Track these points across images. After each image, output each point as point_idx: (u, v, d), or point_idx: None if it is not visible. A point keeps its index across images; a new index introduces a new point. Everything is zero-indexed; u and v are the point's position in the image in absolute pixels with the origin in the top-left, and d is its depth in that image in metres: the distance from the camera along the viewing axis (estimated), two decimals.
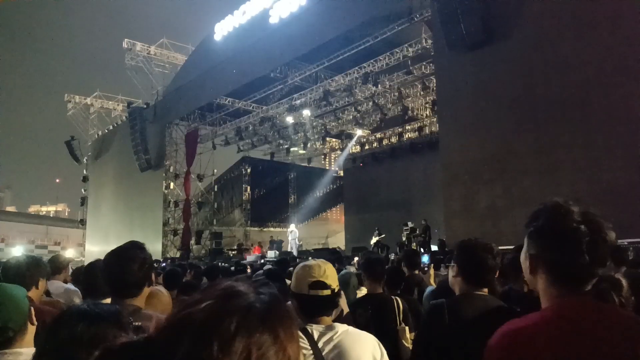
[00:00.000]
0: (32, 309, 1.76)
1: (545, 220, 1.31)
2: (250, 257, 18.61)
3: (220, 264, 13.12)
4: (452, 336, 2.08)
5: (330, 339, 1.85)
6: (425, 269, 3.37)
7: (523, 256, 1.39)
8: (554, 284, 1.31)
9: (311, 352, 1.81)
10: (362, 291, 4.29)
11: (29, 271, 2.63)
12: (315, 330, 1.88)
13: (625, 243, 7.61)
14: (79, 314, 1.25)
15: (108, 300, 2.52)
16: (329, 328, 1.89)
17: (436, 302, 2.46)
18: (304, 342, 1.83)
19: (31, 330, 1.74)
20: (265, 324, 0.66)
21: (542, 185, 10.25)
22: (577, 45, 10.30)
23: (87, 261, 8.37)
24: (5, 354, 1.65)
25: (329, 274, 1.97)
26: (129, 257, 2.08)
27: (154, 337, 0.68)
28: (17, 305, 1.71)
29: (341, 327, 1.92)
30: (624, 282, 2.44)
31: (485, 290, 2.27)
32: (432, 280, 3.42)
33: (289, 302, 2.46)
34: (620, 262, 4.52)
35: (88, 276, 2.71)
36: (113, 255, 2.12)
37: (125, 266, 2.05)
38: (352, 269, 7.10)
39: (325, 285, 1.92)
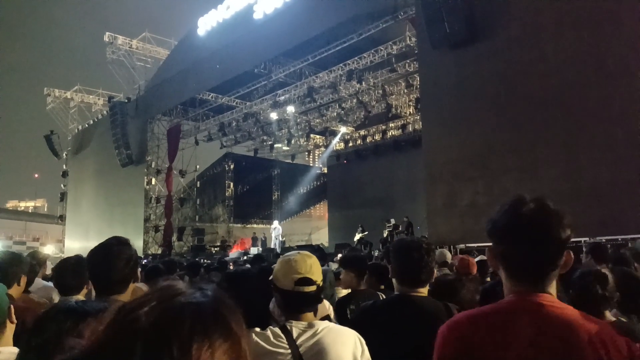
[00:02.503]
0: (12, 307, 1.72)
1: (500, 216, 1.33)
2: (233, 254, 18.53)
3: (202, 260, 13.02)
4: (382, 338, 2.04)
5: (310, 337, 1.82)
6: None
7: (487, 252, 1.41)
8: (508, 278, 1.33)
9: (289, 351, 1.78)
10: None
11: (12, 268, 2.58)
12: (295, 327, 1.85)
13: (603, 240, 7.76)
14: (66, 311, 1.23)
15: (79, 297, 2.50)
16: (310, 326, 1.86)
17: (365, 305, 2.44)
18: (282, 341, 1.80)
19: (10, 328, 1.70)
20: (218, 320, 0.65)
21: (522, 182, 10.38)
22: (558, 45, 10.45)
23: None
24: None
25: (315, 270, 1.93)
26: (115, 253, 2.05)
27: (94, 347, 0.63)
28: None
29: (322, 325, 1.89)
30: (609, 277, 2.48)
31: (422, 290, 2.21)
32: None
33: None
34: (600, 259, 4.51)
35: (58, 273, 2.68)
36: (98, 252, 2.08)
37: (111, 263, 2.02)
38: (335, 266, 7.11)
39: (311, 282, 1.89)
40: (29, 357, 1.21)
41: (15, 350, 1.56)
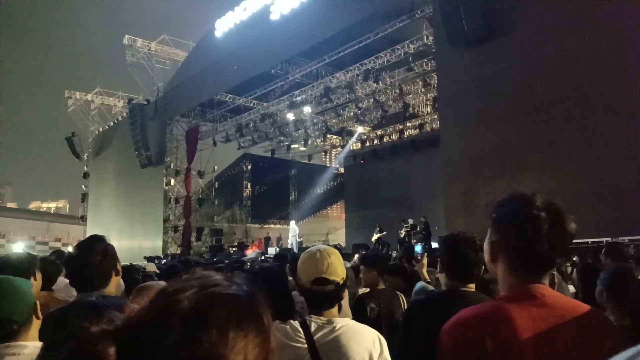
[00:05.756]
0: (37, 303, 1.77)
1: (508, 207, 1.34)
2: (250, 254, 18.63)
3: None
4: (432, 335, 2.03)
5: (328, 334, 1.84)
6: (419, 257, 3.34)
7: (485, 244, 1.41)
8: (511, 271, 1.33)
9: (306, 345, 1.81)
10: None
11: (29, 264, 2.66)
12: (314, 323, 1.87)
13: (626, 240, 7.61)
14: (88, 306, 1.27)
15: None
16: (329, 322, 1.88)
17: (416, 300, 2.43)
18: (300, 335, 1.83)
19: (36, 324, 1.75)
20: (252, 313, 0.70)
21: (542, 181, 10.24)
22: (578, 42, 10.29)
23: None
24: (9, 347, 1.65)
25: (333, 269, 1.92)
26: (88, 250, 2.13)
27: (136, 321, 0.68)
28: (22, 298, 1.71)
29: (341, 322, 1.90)
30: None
31: (472, 286, 2.20)
32: (424, 271, 3.39)
33: (294, 293, 2.46)
34: (618, 260, 4.36)
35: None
36: (73, 251, 2.19)
37: (85, 259, 2.10)
38: (347, 265, 7.09)
39: (328, 282, 1.89)
40: (51, 351, 1.24)
41: (40, 344, 1.60)
